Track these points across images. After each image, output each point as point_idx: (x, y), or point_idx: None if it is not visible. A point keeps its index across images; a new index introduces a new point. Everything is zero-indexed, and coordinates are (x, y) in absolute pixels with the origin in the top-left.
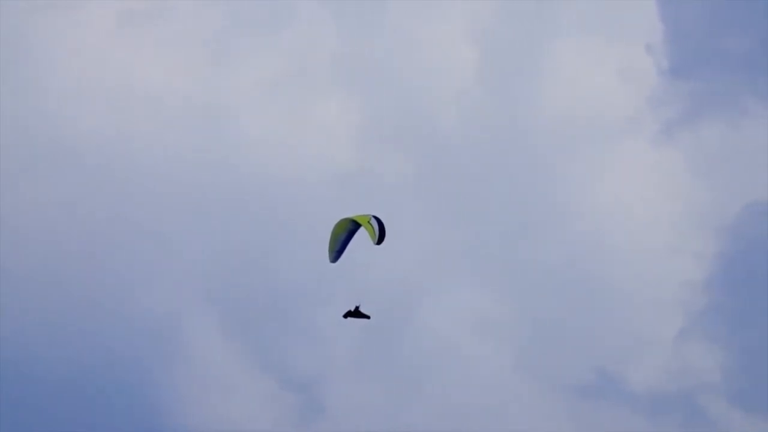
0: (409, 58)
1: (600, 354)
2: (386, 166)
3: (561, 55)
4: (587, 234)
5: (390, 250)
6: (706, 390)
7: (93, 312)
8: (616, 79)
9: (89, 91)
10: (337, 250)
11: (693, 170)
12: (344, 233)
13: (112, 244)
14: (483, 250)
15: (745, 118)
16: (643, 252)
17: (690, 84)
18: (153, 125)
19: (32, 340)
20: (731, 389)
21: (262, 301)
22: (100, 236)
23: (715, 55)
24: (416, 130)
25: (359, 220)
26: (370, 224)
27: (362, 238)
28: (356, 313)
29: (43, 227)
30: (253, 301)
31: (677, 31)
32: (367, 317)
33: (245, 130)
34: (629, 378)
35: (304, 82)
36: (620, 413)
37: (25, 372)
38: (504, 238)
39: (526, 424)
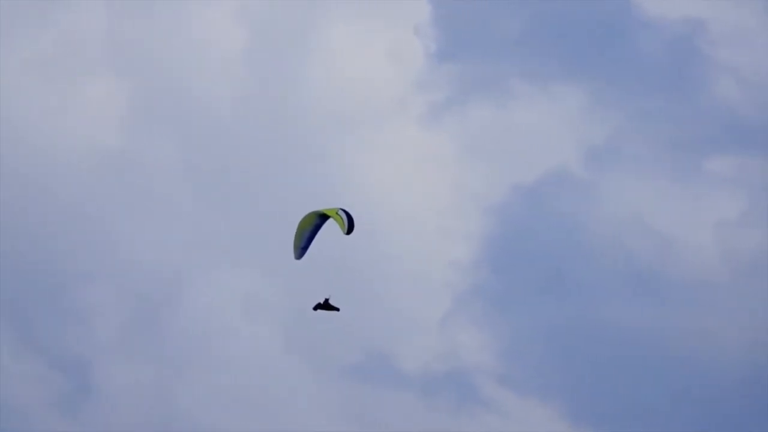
0: (178, 38)
1: (370, 335)
2: (154, 148)
3: (330, 35)
4: (355, 215)
5: (158, 229)
6: (477, 371)
7: None
8: (384, 60)
9: None
10: (302, 247)
11: (461, 152)
12: (310, 228)
13: None
14: (251, 231)
15: (512, 100)
16: (410, 233)
17: (458, 66)
18: None
19: None
20: (500, 370)
21: (29, 281)
22: None
23: (482, 38)
24: (185, 111)
25: (328, 213)
26: (339, 215)
27: (326, 233)
28: (326, 306)
29: None
30: (20, 281)
31: (445, 14)
32: (337, 309)
33: (11, 110)
34: (400, 359)
35: (72, 61)
36: (392, 394)
37: None
38: (272, 219)
39: (298, 405)
